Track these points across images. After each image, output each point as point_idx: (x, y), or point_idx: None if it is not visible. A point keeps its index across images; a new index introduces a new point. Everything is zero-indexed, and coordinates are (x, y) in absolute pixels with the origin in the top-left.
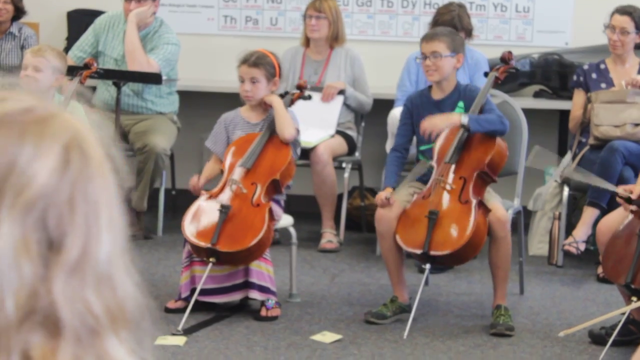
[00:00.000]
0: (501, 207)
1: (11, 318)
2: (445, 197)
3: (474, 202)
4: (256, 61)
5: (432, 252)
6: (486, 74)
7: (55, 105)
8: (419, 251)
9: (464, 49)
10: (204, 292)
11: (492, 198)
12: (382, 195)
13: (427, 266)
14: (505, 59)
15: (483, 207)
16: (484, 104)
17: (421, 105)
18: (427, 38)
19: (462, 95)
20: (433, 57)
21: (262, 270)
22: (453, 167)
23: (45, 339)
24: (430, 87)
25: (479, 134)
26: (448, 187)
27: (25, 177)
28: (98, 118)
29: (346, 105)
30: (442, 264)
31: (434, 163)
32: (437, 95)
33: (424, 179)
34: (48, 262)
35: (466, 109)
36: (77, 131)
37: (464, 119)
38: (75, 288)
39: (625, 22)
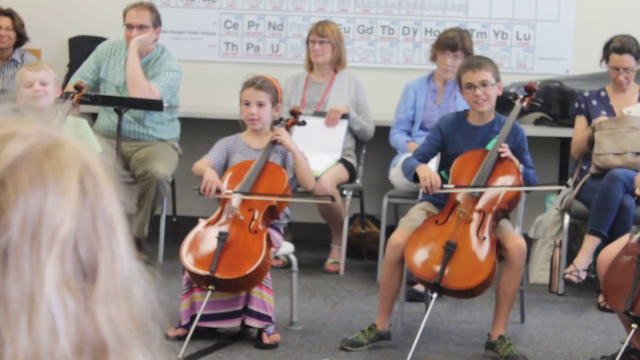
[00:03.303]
0: (518, 235)
1: (68, 357)
2: (465, 230)
3: (490, 240)
4: (262, 84)
5: (445, 284)
6: (509, 102)
7: (54, 127)
8: (429, 280)
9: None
10: (204, 317)
11: (506, 226)
12: (431, 181)
13: (434, 295)
14: (531, 89)
15: (496, 245)
16: (521, 141)
17: (458, 127)
18: (473, 67)
19: (499, 128)
20: (482, 86)
21: (264, 299)
22: (475, 198)
23: None
24: (466, 111)
25: (503, 166)
26: (470, 219)
27: (57, 216)
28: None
29: (349, 129)
30: (449, 296)
31: (451, 185)
32: (475, 121)
33: (435, 200)
34: (86, 291)
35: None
36: (84, 155)
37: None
38: (113, 309)
39: (627, 60)
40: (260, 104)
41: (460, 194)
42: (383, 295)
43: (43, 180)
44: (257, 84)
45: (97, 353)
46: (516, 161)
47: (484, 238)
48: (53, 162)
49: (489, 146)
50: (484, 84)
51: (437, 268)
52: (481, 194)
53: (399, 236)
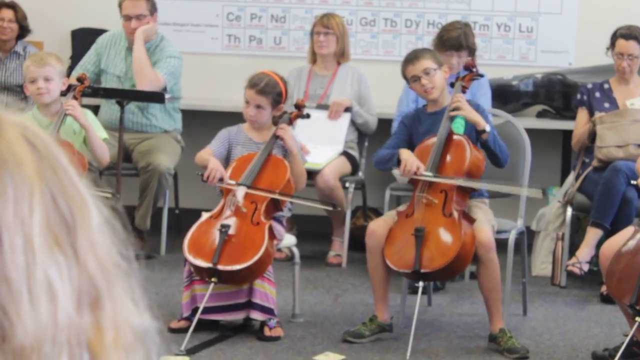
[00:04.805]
0: (486, 228)
1: (71, 316)
2: (429, 213)
3: (456, 214)
4: (264, 89)
5: (423, 270)
6: (452, 85)
7: None
8: (409, 270)
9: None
10: (206, 310)
11: (482, 216)
12: (412, 165)
13: (420, 284)
14: (469, 67)
15: (467, 217)
16: (482, 113)
17: (419, 120)
18: (412, 60)
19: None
20: (426, 74)
21: (266, 292)
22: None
23: (92, 315)
24: (425, 105)
25: (454, 146)
26: (431, 202)
27: (25, 184)
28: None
29: (352, 122)
30: (434, 280)
31: (429, 172)
32: (432, 109)
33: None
34: (73, 245)
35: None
36: (15, 118)
37: (488, 127)
38: (98, 252)
39: (632, 47)
40: (258, 107)
41: (420, 181)
42: (374, 285)
43: (3, 158)
44: (258, 87)
45: (93, 301)
46: (479, 119)
47: (450, 214)
48: (2, 141)
49: (454, 129)
50: (426, 72)
51: (413, 257)
52: (437, 176)
53: (374, 224)
